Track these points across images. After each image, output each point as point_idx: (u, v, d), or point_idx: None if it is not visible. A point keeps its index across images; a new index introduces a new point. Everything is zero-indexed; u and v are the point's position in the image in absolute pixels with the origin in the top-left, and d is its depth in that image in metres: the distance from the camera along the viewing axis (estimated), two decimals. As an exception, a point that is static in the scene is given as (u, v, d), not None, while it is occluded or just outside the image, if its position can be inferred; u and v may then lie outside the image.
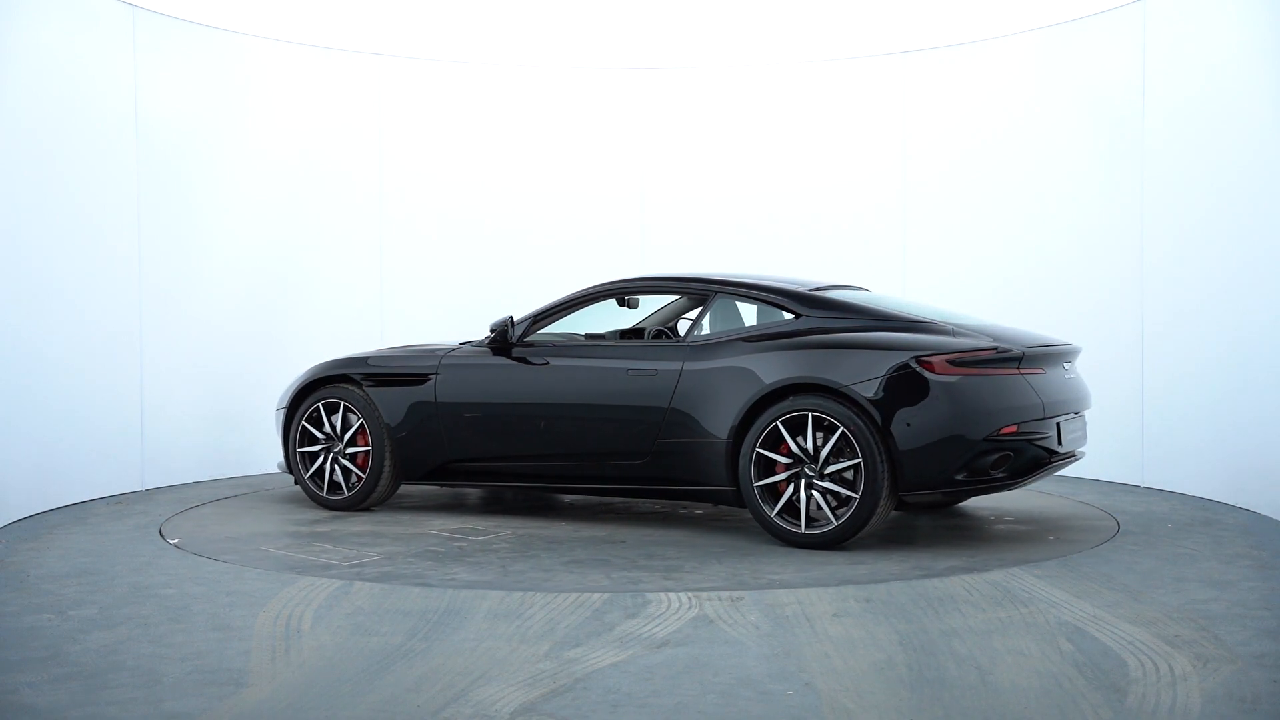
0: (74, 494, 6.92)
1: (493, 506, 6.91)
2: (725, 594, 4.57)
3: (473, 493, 7.44)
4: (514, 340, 6.39)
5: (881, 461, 5.32)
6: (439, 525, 6.24)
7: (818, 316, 5.84)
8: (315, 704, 3.33)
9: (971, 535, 5.84)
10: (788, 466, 5.52)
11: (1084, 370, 7.85)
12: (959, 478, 5.36)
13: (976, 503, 6.78)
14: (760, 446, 5.55)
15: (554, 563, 5.22)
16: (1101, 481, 7.66)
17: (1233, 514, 6.38)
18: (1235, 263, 6.71)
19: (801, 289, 6.05)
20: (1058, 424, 5.61)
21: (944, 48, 8.75)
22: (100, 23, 7.23)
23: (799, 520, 5.47)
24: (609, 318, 6.69)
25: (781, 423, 5.50)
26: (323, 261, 8.72)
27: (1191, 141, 7.06)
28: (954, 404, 5.32)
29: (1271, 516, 6.23)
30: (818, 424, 5.43)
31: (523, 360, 6.34)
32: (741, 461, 5.62)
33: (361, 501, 6.67)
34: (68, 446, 6.90)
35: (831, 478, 5.41)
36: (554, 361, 6.27)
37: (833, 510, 5.41)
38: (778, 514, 5.53)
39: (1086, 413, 6.08)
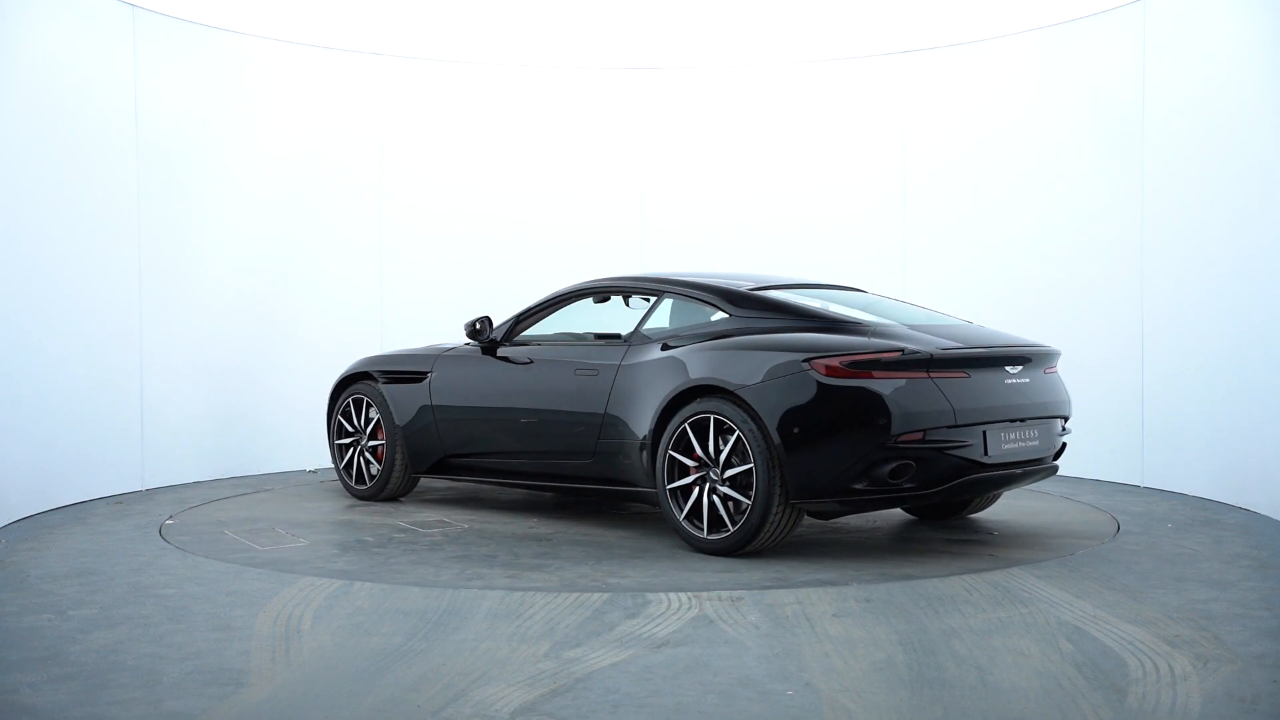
0: (74, 494, 6.92)
1: (488, 501, 6.91)
2: (725, 594, 4.57)
3: (487, 489, 7.44)
4: (487, 340, 6.60)
5: (773, 467, 5.10)
6: (412, 518, 6.24)
7: (744, 316, 5.67)
8: (315, 704, 3.33)
9: (971, 536, 5.84)
10: (694, 470, 5.41)
11: (1083, 370, 7.88)
12: (858, 486, 5.05)
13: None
14: (673, 449, 5.47)
15: (551, 561, 5.22)
16: (1101, 481, 7.66)
17: (1233, 514, 6.38)
18: (1235, 262, 6.71)
19: (741, 288, 5.86)
20: (983, 432, 5.20)
21: (944, 48, 8.75)
22: (100, 23, 7.23)
23: (704, 525, 5.36)
24: (618, 317, 6.67)
25: (689, 425, 5.40)
26: (323, 261, 8.72)
27: (1191, 141, 7.06)
28: (845, 408, 5.06)
29: (1271, 516, 6.23)
30: (719, 427, 5.30)
31: (506, 360, 6.47)
32: (657, 464, 5.55)
33: (380, 492, 7.03)
34: (68, 446, 6.90)
35: (730, 483, 5.25)
36: (536, 360, 6.35)
37: (731, 516, 5.27)
38: (685, 518, 5.43)
39: (1061, 418, 5.69)
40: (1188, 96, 7.09)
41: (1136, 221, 7.47)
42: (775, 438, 5.10)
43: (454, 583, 4.81)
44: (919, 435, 5.04)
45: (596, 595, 4.55)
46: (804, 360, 5.14)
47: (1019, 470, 5.42)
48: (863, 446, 5.01)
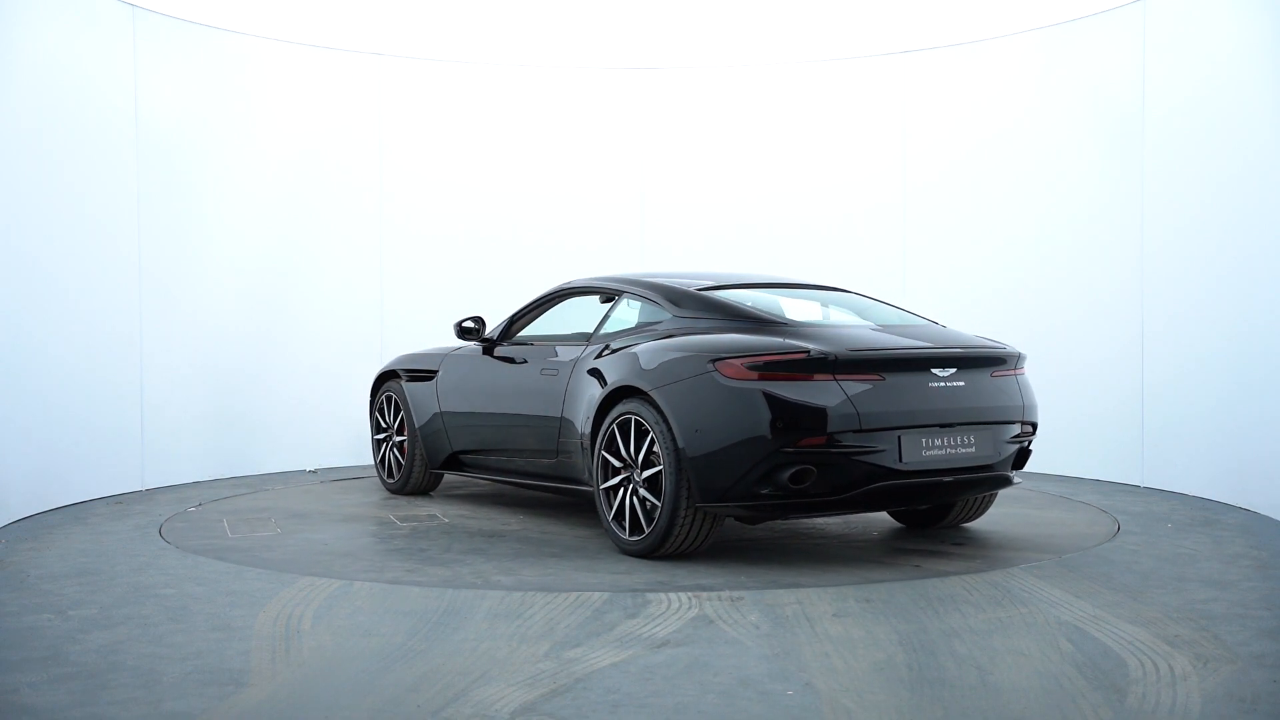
0: (74, 494, 6.92)
1: (501, 499, 6.92)
2: (725, 594, 4.57)
3: (509, 487, 7.48)
4: (482, 339, 6.71)
5: (680, 470, 5.03)
6: (413, 518, 6.24)
7: (684, 317, 5.60)
8: (315, 704, 3.33)
9: (971, 536, 5.84)
10: (620, 471, 5.40)
11: (1083, 370, 7.88)
12: (762, 491, 4.91)
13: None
14: (604, 450, 5.46)
15: (551, 561, 5.22)
16: (1101, 481, 7.66)
17: (1233, 514, 6.38)
18: (1235, 262, 6.71)
19: (687, 287, 5.79)
20: (898, 437, 4.98)
21: (944, 48, 8.75)
22: (100, 23, 7.23)
23: (626, 526, 5.34)
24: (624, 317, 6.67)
25: (616, 427, 5.39)
26: (323, 261, 8.72)
27: (1191, 141, 7.06)
28: (745, 411, 4.91)
29: (1271, 516, 6.23)
30: (638, 429, 5.26)
31: (500, 359, 6.52)
32: (593, 464, 5.57)
33: (404, 487, 7.32)
34: (68, 446, 6.90)
35: (647, 485, 5.21)
36: (519, 360, 6.40)
37: (646, 518, 5.22)
38: (612, 518, 5.42)
39: (1014, 423, 5.38)
40: (1188, 96, 7.09)
41: (1136, 221, 7.47)
42: (680, 440, 5.03)
43: (454, 583, 4.81)
44: (822, 440, 4.86)
45: (596, 595, 4.55)
46: (709, 362, 5.04)
47: (948, 479, 5.14)
48: (762, 450, 4.86)
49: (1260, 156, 6.50)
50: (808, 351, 4.96)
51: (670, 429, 5.07)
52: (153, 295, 7.60)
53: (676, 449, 5.04)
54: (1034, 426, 5.56)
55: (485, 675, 3.56)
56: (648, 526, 5.19)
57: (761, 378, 4.93)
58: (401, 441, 7.29)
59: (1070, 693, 3.38)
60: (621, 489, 5.36)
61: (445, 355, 7.08)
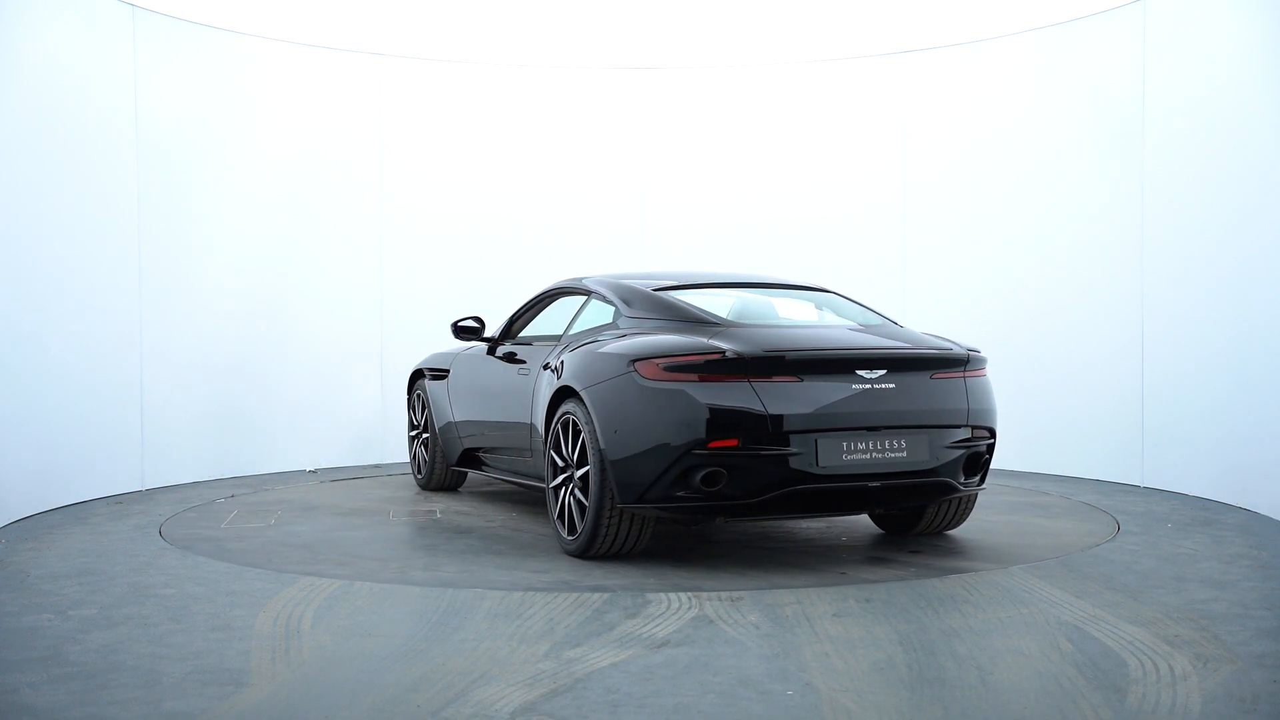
0: (74, 494, 6.92)
1: (503, 498, 6.92)
2: (725, 594, 4.57)
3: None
4: (478, 339, 6.79)
5: (603, 470, 5.00)
6: (415, 518, 6.24)
7: (634, 317, 5.56)
8: (315, 704, 3.33)
9: (971, 536, 5.84)
10: (562, 470, 5.40)
11: (1083, 370, 7.88)
12: (678, 493, 4.85)
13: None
14: (552, 449, 5.48)
15: (552, 561, 5.22)
16: (1101, 481, 7.66)
17: (1233, 514, 6.38)
18: (1235, 262, 6.71)
19: (645, 287, 5.73)
20: (815, 440, 4.84)
21: (944, 48, 8.75)
22: (100, 23, 7.23)
23: (565, 526, 5.35)
24: None
25: (560, 427, 5.40)
26: (323, 261, 8.72)
27: (1191, 141, 7.06)
28: (658, 412, 4.86)
29: (1271, 516, 6.23)
30: (574, 429, 5.26)
31: (503, 358, 6.53)
32: (545, 463, 5.60)
33: (429, 483, 7.54)
34: (68, 446, 6.90)
35: (581, 485, 5.19)
36: (511, 360, 6.42)
37: (578, 519, 5.22)
38: (556, 517, 5.43)
39: (956, 427, 5.13)
40: (1188, 96, 7.09)
41: (1136, 221, 7.46)
42: (601, 441, 5.02)
43: (454, 583, 4.80)
44: (733, 442, 4.78)
45: (596, 595, 4.55)
46: (629, 363, 5.01)
47: (875, 485, 4.96)
48: (674, 452, 4.80)
49: (1260, 156, 6.50)
50: (723, 352, 4.88)
51: (595, 429, 5.06)
52: (153, 295, 7.60)
53: (600, 449, 5.03)
54: (989, 431, 5.31)
55: (485, 675, 3.56)
56: (580, 526, 5.21)
57: (676, 379, 4.87)
58: (427, 439, 7.49)
59: (1070, 693, 3.38)
60: (563, 488, 5.38)
61: (457, 355, 7.21)
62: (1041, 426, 8.20)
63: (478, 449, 6.81)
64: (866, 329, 5.54)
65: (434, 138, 9.15)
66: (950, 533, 5.86)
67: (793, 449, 4.81)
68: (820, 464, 4.84)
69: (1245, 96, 6.64)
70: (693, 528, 5.89)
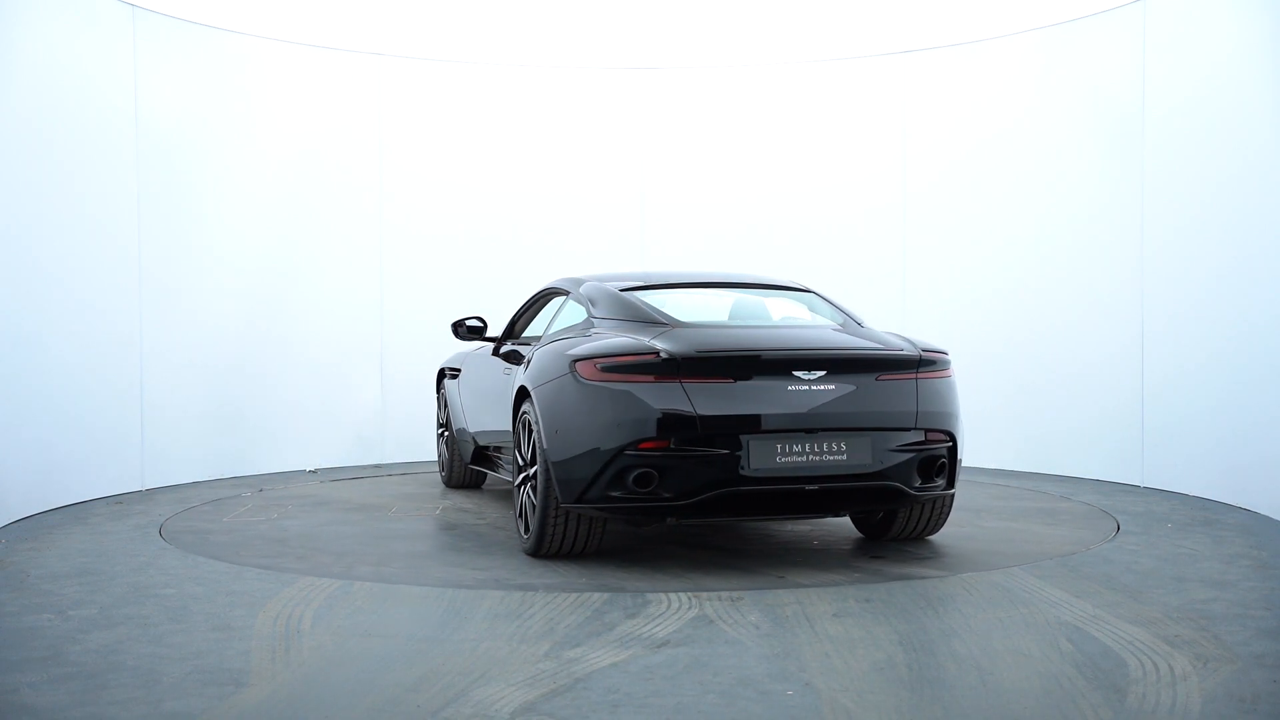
0: (74, 494, 6.92)
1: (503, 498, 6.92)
2: (725, 594, 4.57)
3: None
4: (478, 339, 6.83)
5: (547, 469, 5.01)
6: (416, 517, 6.24)
7: (598, 316, 5.54)
8: (315, 704, 3.33)
9: (971, 536, 5.84)
10: (522, 469, 5.42)
11: (1083, 370, 7.87)
12: (614, 494, 4.81)
13: (972, 503, 6.78)
14: (516, 448, 5.51)
15: (551, 561, 5.22)
16: (1101, 481, 7.66)
17: (1233, 514, 6.38)
18: (1235, 262, 6.71)
19: (613, 287, 5.70)
20: (746, 442, 4.77)
21: (944, 48, 8.75)
22: (100, 23, 7.23)
23: (524, 525, 5.37)
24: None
25: (521, 426, 5.42)
26: (323, 261, 8.72)
27: (1191, 141, 7.06)
28: (592, 412, 4.85)
29: (1271, 516, 6.23)
30: (530, 428, 5.28)
31: (503, 358, 6.52)
32: (511, 462, 5.62)
33: (450, 481, 7.68)
34: (68, 446, 6.90)
35: (532, 484, 5.23)
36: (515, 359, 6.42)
37: (532, 518, 5.24)
38: (518, 515, 5.46)
39: (903, 430, 4.98)
40: (1188, 96, 7.09)
41: (1136, 221, 7.46)
42: (544, 441, 5.04)
43: (454, 582, 4.80)
44: (665, 443, 4.75)
45: (596, 595, 4.55)
46: (571, 363, 5.00)
47: (812, 488, 4.84)
48: (607, 452, 4.78)
49: (1260, 156, 6.50)
50: (657, 353, 4.85)
51: (540, 429, 5.09)
52: (153, 295, 7.60)
53: (544, 449, 5.04)
54: (946, 434, 5.13)
55: (485, 675, 3.56)
56: (531, 526, 5.22)
57: (612, 379, 4.86)
58: (449, 437, 7.61)
59: (1070, 693, 3.38)
60: (523, 487, 5.41)
61: (469, 355, 7.25)
62: (1041, 426, 8.21)
63: (487, 448, 6.85)
64: (821, 330, 5.45)
65: (434, 138, 9.15)
66: (950, 533, 5.85)
67: (722, 450, 4.76)
68: (752, 466, 4.77)
69: (1245, 96, 6.64)
70: (641, 529, 5.83)
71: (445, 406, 7.66)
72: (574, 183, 9.44)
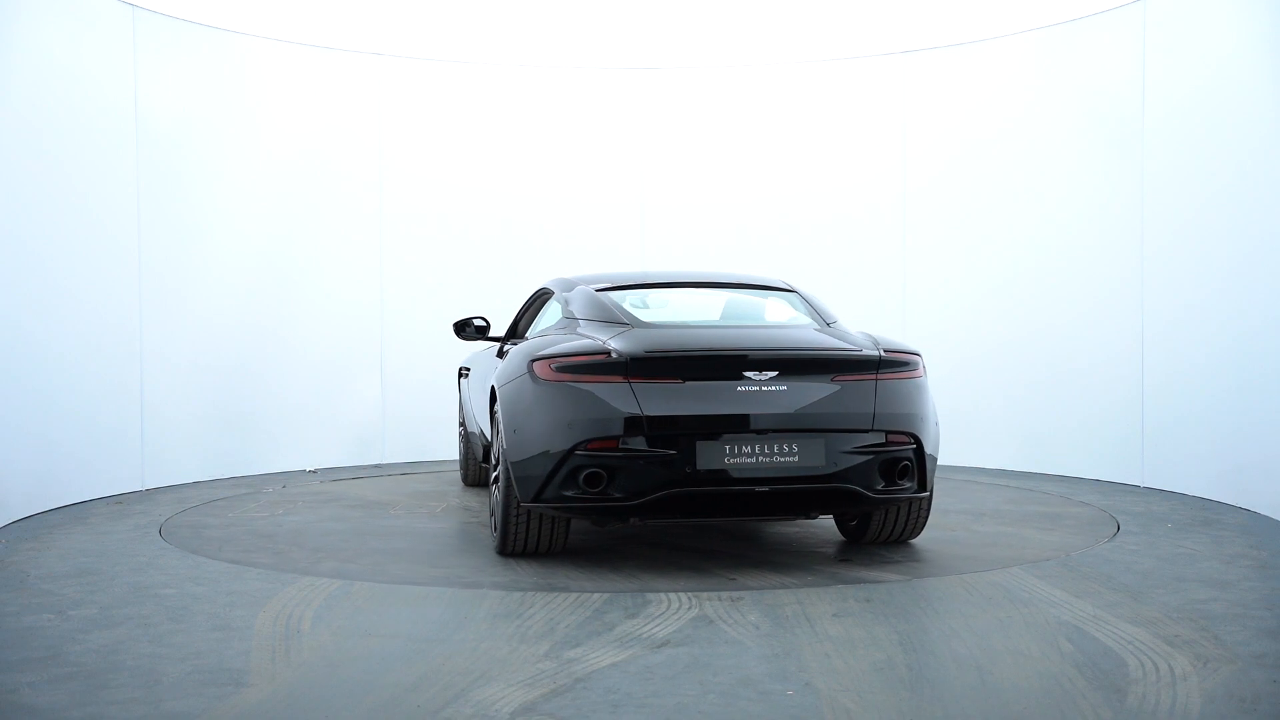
0: (74, 494, 6.92)
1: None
2: (725, 594, 4.57)
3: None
4: (479, 339, 6.75)
5: (506, 468, 5.04)
6: (415, 517, 6.24)
7: (573, 317, 5.54)
8: (315, 704, 3.33)
9: (971, 536, 5.84)
10: (493, 468, 5.43)
11: (1083, 370, 7.87)
12: (567, 494, 4.80)
13: (972, 503, 6.78)
14: (491, 448, 5.54)
15: (551, 561, 5.22)
16: (1101, 481, 7.66)
17: (1233, 514, 6.38)
18: (1235, 262, 6.71)
19: (591, 287, 5.69)
20: (694, 443, 4.73)
21: (944, 48, 8.75)
22: (101, 23, 7.24)
23: (493, 524, 5.39)
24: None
25: (494, 426, 5.45)
26: (323, 261, 8.72)
27: (1191, 141, 7.06)
28: (545, 411, 4.86)
29: (1271, 516, 6.23)
30: (498, 427, 5.30)
31: (500, 357, 6.51)
32: (490, 461, 5.65)
33: (467, 478, 7.76)
34: (68, 446, 6.90)
35: (498, 483, 5.26)
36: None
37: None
38: (490, 513, 5.48)
39: (860, 431, 4.87)
40: (1188, 96, 7.09)
41: (1136, 221, 7.47)
42: (504, 440, 5.06)
43: (454, 582, 4.81)
44: (612, 443, 4.74)
45: (596, 595, 4.55)
46: (529, 362, 5.01)
47: (762, 489, 4.78)
48: (558, 452, 4.78)
49: (1260, 156, 6.50)
50: (609, 353, 4.84)
51: (500, 428, 5.13)
52: (153, 295, 7.60)
53: (503, 448, 5.07)
54: (909, 436, 5.00)
55: (485, 675, 3.56)
56: (497, 524, 5.26)
57: (565, 379, 4.86)
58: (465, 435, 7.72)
59: (1070, 693, 3.38)
60: (494, 486, 5.44)
61: (478, 355, 7.27)
62: (1041, 426, 8.21)
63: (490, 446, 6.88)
64: (782, 330, 5.38)
65: (434, 138, 9.15)
66: (949, 533, 5.86)
67: (669, 451, 4.74)
68: (700, 466, 4.74)
69: (1245, 96, 6.64)
70: (604, 528, 5.81)
71: (460, 405, 7.75)
72: (574, 183, 9.44)
